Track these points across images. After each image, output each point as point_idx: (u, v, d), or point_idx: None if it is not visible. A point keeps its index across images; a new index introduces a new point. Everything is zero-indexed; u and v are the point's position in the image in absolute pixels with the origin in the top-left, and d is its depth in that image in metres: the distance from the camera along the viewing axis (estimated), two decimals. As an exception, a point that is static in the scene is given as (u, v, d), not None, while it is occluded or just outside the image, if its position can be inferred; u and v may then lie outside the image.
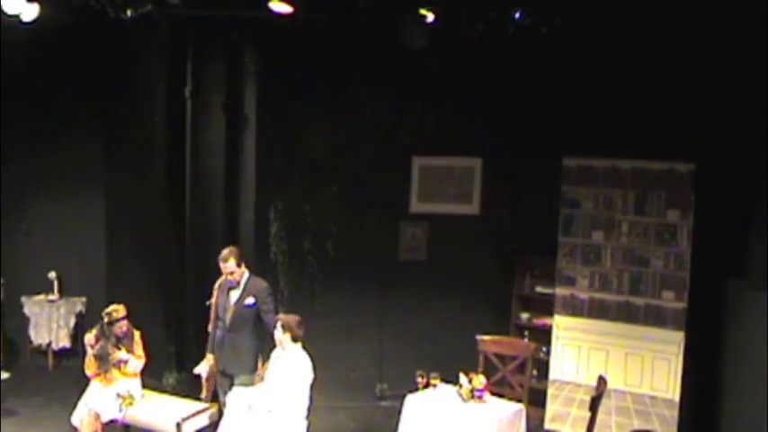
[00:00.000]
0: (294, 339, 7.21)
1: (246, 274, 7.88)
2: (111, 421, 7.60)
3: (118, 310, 7.94)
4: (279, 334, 7.20)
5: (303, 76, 9.39)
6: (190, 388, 8.70)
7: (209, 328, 8.11)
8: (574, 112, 9.01)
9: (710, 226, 8.37)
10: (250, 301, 7.75)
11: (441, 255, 10.10)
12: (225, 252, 7.81)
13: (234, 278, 7.78)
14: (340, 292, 9.78)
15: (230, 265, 7.73)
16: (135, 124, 10.30)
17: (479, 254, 9.95)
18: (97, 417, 7.59)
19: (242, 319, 7.74)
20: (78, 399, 7.74)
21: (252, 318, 7.76)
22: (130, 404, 7.64)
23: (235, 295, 7.86)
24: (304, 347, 7.30)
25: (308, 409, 7.28)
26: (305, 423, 7.24)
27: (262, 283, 7.91)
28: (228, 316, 7.85)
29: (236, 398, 7.33)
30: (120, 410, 7.60)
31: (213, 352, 8.03)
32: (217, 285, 8.03)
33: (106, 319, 7.87)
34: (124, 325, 7.94)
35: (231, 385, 7.73)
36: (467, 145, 9.85)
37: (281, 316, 7.41)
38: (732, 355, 8.27)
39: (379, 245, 10.02)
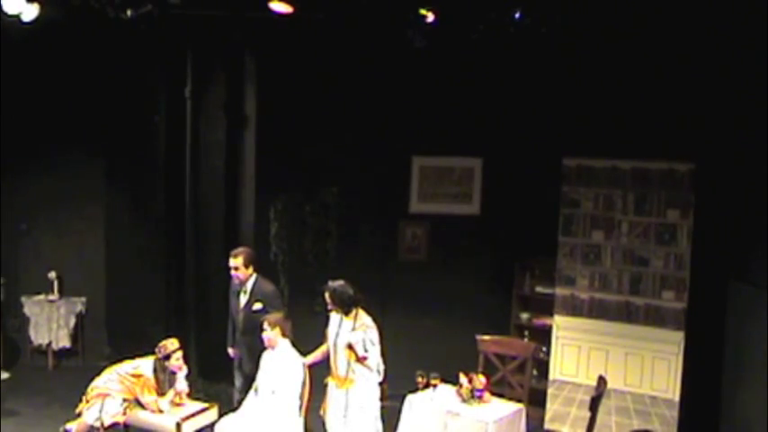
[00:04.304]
0: (283, 335, 7.25)
1: (254, 277, 7.93)
2: (114, 425, 7.58)
3: (173, 342, 7.67)
4: (268, 333, 7.21)
5: (303, 76, 9.39)
6: (191, 387, 8.70)
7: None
8: (574, 112, 9.01)
9: (710, 226, 8.36)
10: (258, 306, 7.80)
11: (441, 255, 10.12)
12: (238, 249, 7.97)
13: (236, 275, 7.85)
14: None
15: (236, 263, 7.82)
16: (135, 124, 10.31)
17: (479, 254, 9.96)
18: (86, 425, 7.56)
19: (252, 323, 7.74)
20: (79, 399, 7.71)
21: None
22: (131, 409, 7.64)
23: (243, 299, 7.92)
24: (296, 346, 7.34)
25: (300, 408, 7.30)
26: (301, 420, 7.27)
27: (268, 288, 7.98)
28: (240, 320, 7.95)
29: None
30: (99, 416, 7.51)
31: (232, 346, 8.23)
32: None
33: (161, 354, 7.58)
34: (180, 357, 7.64)
35: (245, 383, 7.78)
36: (467, 145, 9.85)
37: (266, 316, 7.41)
38: (732, 354, 8.27)
39: (378, 245, 10.05)
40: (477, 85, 9.42)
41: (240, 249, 7.98)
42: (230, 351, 8.30)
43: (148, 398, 7.51)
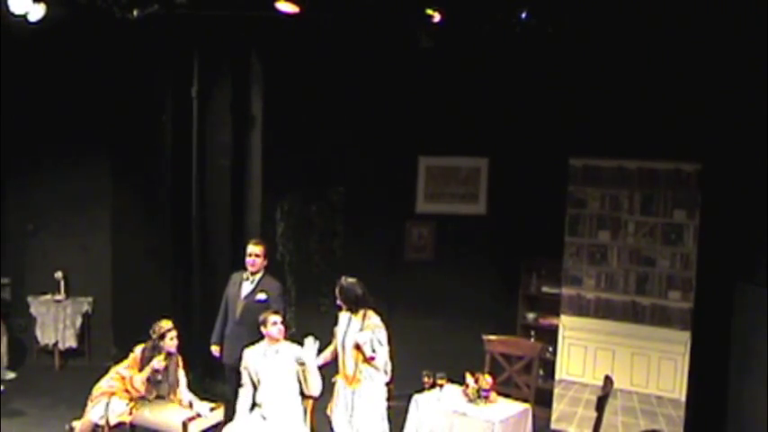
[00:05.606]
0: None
1: (262, 272, 8.04)
2: (119, 424, 7.59)
3: (166, 322, 7.67)
4: (279, 325, 7.27)
5: (310, 77, 9.39)
6: (197, 387, 8.71)
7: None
8: (580, 111, 9.00)
9: (717, 226, 8.35)
10: (261, 296, 7.85)
11: (447, 255, 10.12)
12: (259, 239, 8.22)
13: (254, 261, 7.96)
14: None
15: (259, 250, 7.98)
16: (141, 125, 10.32)
17: (486, 254, 9.97)
18: (90, 423, 7.58)
19: (251, 313, 7.77)
20: (86, 399, 7.71)
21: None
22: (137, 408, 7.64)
23: (246, 289, 7.97)
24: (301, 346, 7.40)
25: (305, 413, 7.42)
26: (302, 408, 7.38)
27: (275, 283, 8.11)
28: (238, 309, 7.98)
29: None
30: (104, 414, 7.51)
31: (217, 344, 8.21)
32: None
33: (155, 335, 7.57)
34: (175, 337, 7.63)
35: (239, 380, 7.77)
36: (473, 145, 9.85)
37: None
38: (738, 354, 8.27)
39: (385, 245, 10.03)
40: (484, 85, 9.43)
41: (260, 240, 8.22)
42: (214, 349, 8.27)
43: (125, 372, 7.55)
